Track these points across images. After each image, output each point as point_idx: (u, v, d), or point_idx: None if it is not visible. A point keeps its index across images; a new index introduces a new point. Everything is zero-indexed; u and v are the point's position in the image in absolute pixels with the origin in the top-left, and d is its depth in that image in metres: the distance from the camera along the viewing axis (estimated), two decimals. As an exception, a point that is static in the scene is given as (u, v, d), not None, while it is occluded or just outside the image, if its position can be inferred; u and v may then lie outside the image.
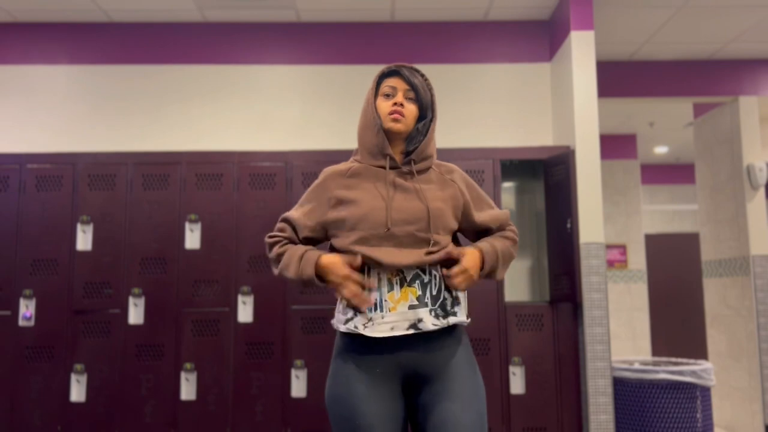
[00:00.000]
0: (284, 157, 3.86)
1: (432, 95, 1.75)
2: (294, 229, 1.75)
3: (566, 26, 4.03)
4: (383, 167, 1.71)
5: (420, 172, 1.72)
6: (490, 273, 1.72)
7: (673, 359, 4.26)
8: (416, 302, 1.61)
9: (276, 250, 1.73)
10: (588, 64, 3.92)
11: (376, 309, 1.61)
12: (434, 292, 1.64)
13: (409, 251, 1.62)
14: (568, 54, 3.98)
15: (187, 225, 3.76)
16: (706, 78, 5.05)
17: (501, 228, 1.82)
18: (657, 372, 3.76)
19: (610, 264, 6.90)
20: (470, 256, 1.66)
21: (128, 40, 4.37)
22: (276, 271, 1.73)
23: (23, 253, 3.73)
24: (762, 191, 4.98)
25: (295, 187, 3.81)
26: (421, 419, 1.62)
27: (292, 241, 1.74)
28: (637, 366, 3.92)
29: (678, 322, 8.13)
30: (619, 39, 4.65)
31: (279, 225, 1.77)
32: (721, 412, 5.24)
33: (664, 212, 8.65)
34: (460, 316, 1.67)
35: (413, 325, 1.60)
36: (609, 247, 6.93)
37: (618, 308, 6.89)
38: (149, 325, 3.68)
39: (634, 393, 3.81)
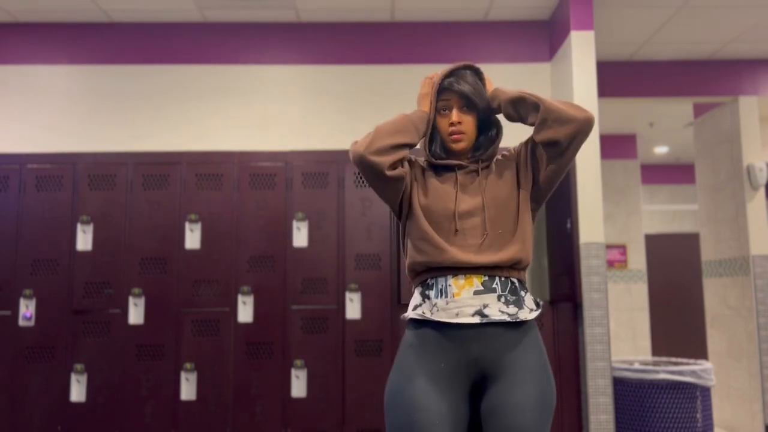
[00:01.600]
0: (284, 157, 3.86)
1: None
2: None
3: (566, 26, 4.03)
4: (451, 168, 1.72)
5: (485, 167, 1.72)
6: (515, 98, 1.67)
7: (673, 359, 4.26)
8: (482, 288, 1.57)
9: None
10: (588, 64, 3.92)
11: (441, 295, 1.57)
12: (503, 279, 1.60)
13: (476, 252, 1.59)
14: (568, 54, 3.98)
15: (187, 225, 3.76)
16: (706, 78, 5.05)
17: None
18: (657, 372, 3.76)
19: (610, 264, 6.90)
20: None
21: (128, 40, 4.37)
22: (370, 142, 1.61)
23: (23, 253, 3.73)
24: (762, 191, 4.98)
25: (295, 187, 3.81)
26: (483, 424, 1.54)
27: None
28: (637, 366, 3.92)
29: (678, 322, 8.13)
30: (619, 39, 4.65)
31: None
32: (721, 412, 5.24)
33: (664, 212, 8.66)
34: (530, 311, 1.61)
35: (479, 312, 1.54)
36: (609, 247, 6.93)
37: (618, 308, 6.89)
38: (149, 325, 3.68)
39: (634, 393, 3.81)
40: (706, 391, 3.82)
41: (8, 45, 4.35)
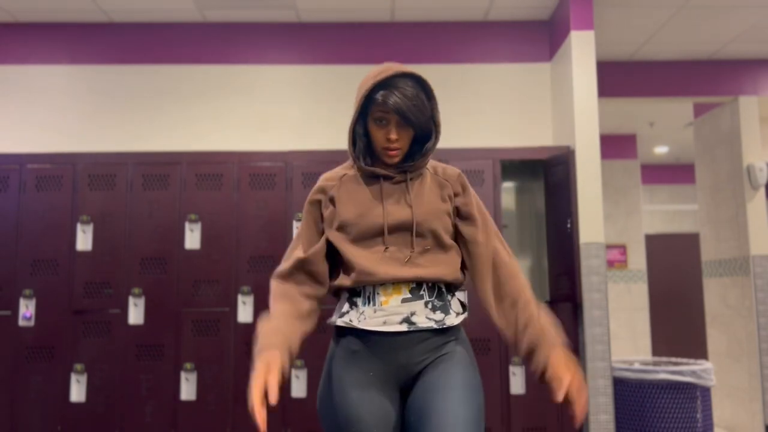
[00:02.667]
0: (284, 157, 3.86)
1: (432, 107, 1.61)
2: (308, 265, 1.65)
3: (566, 26, 4.03)
4: (376, 175, 1.65)
5: (413, 178, 1.65)
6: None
7: (673, 359, 4.26)
8: (410, 295, 1.55)
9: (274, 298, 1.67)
10: (588, 63, 3.92)
11: (368, 303, 1.56)
12: (430, 284, 1.57)
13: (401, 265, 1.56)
14: (568, 54, 3.98)
15: (187, 225, 3.76)
16: (706, 78, 5.05)
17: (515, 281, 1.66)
18: (657, 372, 3.76)
19: (610, 264, 6.90)
20: (563, 365, 1.52)
21: (128, 40, 4.37)
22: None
23: (23, 253, 3.73)
24: (762, 191, 4.98)
25: (295, 187, 3.81)
26: (417, 417, 1.50)
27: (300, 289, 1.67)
28: (637, 366, 3.92)
29: (678, 323, 8.13)
30: (619, 39, 4.65)
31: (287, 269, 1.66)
32: (721, 412, 5.24)
33: (664, 212, 8.65)
34: (456, 315, 1.60)
35: (406, 320, 1.53)
36: (609, 247, 6.93)
37: (618, 308, 6.89)
38: (149, 325, 3.68)
39: (634, 393, 3.81)
40: (706, 391, 3.81)
41: (8, 45, 4.35)
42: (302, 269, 1.63)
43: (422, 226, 1.58)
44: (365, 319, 1.55)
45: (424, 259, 1.57)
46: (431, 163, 1.72)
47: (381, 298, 1.55)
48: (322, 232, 1.65)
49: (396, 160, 1.61)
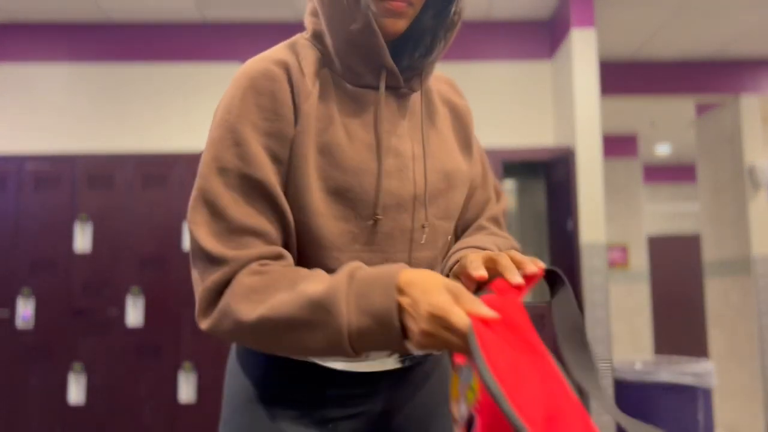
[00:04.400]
0: (284, 157, 3.85)
1: None
2: (272, 205, 0.87)
3: (567, 24, 4.01)
4: (372, 87, 0.95)
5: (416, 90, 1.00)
6: None
7: (675, 360, 4.25)
8: None
9: (245, 282, 0.83)
10: (589, 62, 3.90)
11: None
12: None
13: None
14: (570, 52, 3.97)
15: (187, 225, 3.75)
16: (708, 77, 5.03)
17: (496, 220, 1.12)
18: (658, 373, 3.74)
19: (611, 264, 6.89)
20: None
21: (128, 40, 4.36)
22: (253, 342, 0.85)
23: (22, 254, 3.72)
24: (764, 191, 4.96)
25: (295, 186, 3.80)
26: None
27: (270, 258, 0.86)
28: (638, 366, 3.90)
29: (679, 323, 8.11)
30: (620, 37, 4.63)
31: (231, 238, 0.85)
32: (722, 413, 5.22)
33: (666, 212, 8.64)
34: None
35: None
36: (610, 247, 6.91)
37: (619, 309, 6.87)
38: (148, 326, 3.67)
39: (636, 394, 3.80)
40: (707, 392, 3.80)
41: (7, 44, 4.34)
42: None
43: (436, 185, 0.98)
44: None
45: (433, 252, 1.01)
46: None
47: None
48: None
49: (401, 24, 0.93)
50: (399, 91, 0.97)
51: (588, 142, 3.82)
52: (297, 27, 1.01)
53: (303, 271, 0.83)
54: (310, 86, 0.91)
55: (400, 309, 0.73)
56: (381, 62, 0.92)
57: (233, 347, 1.03)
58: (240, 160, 0.86)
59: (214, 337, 3.63)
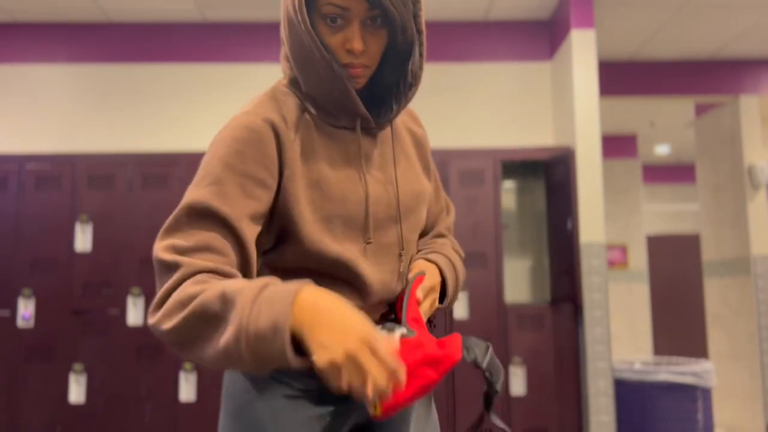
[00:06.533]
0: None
1: (414, 1, 1.02)
2: (233, 236, 0.95)
3: (567, 25, 4.02)
4: (348, 128, 1.07)
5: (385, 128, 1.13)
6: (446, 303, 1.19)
7: (674, 359, 4.25)
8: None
9: (181, 291, 0.89)
10: (589, 62, 3.91)
11: None
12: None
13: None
14: (569, 53, 3.97)
15: (187, 225, 3.75)
16: (708, 77, 5.04)
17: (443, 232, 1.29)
18: (658, 373, 3.75)
19: (611, 264, 6.89)
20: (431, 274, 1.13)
21: (128, 40, 4.36)
22: (180, 350, 0.91)
23: (22, 253, 3.72)
24: (763, 191, 4.97)
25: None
26: None
27: (221, 274, 0.92)
28: (637, 366, 3.91)
29: (679, 323, 8.12)
30: (619, 38, 4.64)
31: (183, 242, 0.93)
32: (722, 412, 5.22)
33: (665, 212, 8.64)
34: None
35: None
36: (609, 247, 6.91)
37: (619, 309, 6.88)
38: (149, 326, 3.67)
39: (635, 394, 3.80)
40: (707, 392, 3.81)
41: (7, 44, 4.34)
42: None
43: (409, 214, 1.13)
44: None
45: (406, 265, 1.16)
46: None
47: None
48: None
49: (361, 82, 1.04)
50: (371, 129, 1.10)
51: (587, 142, 3.83)
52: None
53: (240, 279, 0.90)
54: (293, 134, 1.03)
55: (295, 317, 0.80)
56: (356, 113, 1.05)
57: None
58: (215, 196, 0.95)
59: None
